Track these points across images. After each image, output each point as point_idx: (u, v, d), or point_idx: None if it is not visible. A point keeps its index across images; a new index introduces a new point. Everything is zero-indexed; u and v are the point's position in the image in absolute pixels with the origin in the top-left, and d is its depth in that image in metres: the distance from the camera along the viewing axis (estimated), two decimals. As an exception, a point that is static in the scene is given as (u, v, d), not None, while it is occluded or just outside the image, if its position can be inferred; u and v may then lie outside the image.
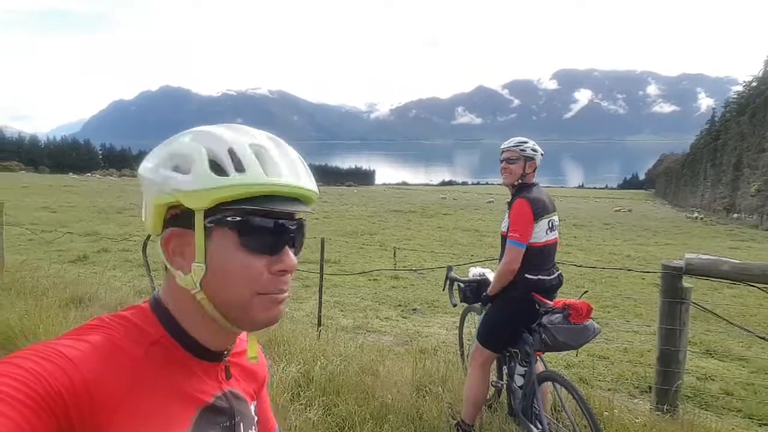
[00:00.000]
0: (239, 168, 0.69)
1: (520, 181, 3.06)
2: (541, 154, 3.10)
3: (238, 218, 0.70)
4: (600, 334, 2.81)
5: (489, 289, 3.14)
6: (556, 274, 3.05)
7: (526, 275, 2.94)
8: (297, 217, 0.76)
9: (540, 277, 2.95)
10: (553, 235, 3.05)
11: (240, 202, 0.69)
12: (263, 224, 0.71)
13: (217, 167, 0.69)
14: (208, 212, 0.70)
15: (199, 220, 0.70)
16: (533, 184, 3.09)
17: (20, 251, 11.10)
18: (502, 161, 3.11)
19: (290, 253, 0.74)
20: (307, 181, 0.75)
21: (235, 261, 0.70)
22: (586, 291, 3.48)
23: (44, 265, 8.93)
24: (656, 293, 3.64)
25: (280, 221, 0.73)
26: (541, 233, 2.96)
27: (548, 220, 2.99)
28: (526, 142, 3.07)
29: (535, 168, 3.09)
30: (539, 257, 2.98)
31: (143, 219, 0.77)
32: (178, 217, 0.72)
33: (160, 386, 0.69)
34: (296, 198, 0.74)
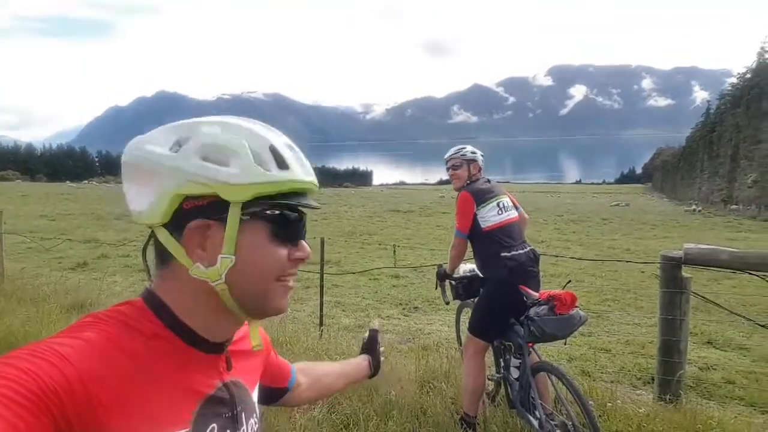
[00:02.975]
0: (283, 165, 0.74)
1: (468, 182, 3.35)
2: (481, 155, 3.42)
3: (277, 212, 0.75)
4: (587, 321, 2.87)
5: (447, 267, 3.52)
6: (528, 249, 3.18)
7: (501, 254, 3.07)
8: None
9: (513, 253, 3.08)
10: (508, 215, 3.23)
11: (275, 196, 0.73)
12: (293, 217, 0.77)
13: (260, 162, 0.72)
14: (245, 205, 0.71)
15: (235, 213, 0.70)
16: (478, 179, 3.38)
17: (20, 259, 11.08)
18: (448, 170, 3.44)
19: (304, 242, 0.80)
20: (315, 178, 0.81)
21: (266, 251, 0.74)
22: (569, 281, 3.58)
23: (44, 273, 8.92)
24: (656, 286, 3.66)
25: (301, 214, 0.79)
26: (491, 216, 3.18)
27: (496, 201, 3.22)
28: (464, 148, 3.42)
29: (480, 168, 3.41)
30: (504, 236, 3.14)
31: (139, 207, 0.74)
32: (202, 209, 0.71)
33: (160, 380, 0.68)
34: (308, 192, 0.80)
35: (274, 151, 0.74)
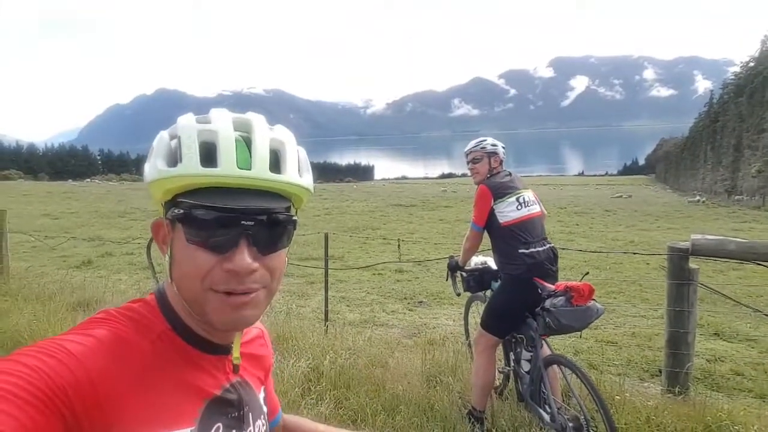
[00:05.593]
0: (180, 158, 0.66)
1: (489, 176, 3.25)
2: (503, 147, 3.31)
3: (182, 211, 0.67)
4: (603, 314, 2.82)
5: (460, 259, 3.48)
6: (548, 246, 3.11)
7: (520, 250, 3.00)
8: (261, 211, 0.68)
9: (532, 250, 3.02)
10: (529, 211, 3.12)
11: (189, 194, 0.67)
12: (203, 218, 0.65)
13: (173, 157, 0.68)
14: (168, 204, 0.70)
15: (162, 212, 0.72)
16: (498, 172, 3.28)
17: (25, 258, 11.13)
18: (468, 163, 3.34)
19: (244, 252, 0.67)
20: (263, 172, 0.68)
21: (185, 254, 0.68)
22: (587, 273, 3.52)
23: (49, 271, 8.95)
24: (661, 277, 3.64)
25: (227, 216, 0.66)
26: (510, 210, 3.08)
27: (516, 196, 3.12)
28: (485, 140, 3.30)
29: (501, 161, 3.31)
30: (524, 232, 3.05)
31: None
32: (163, 207, 0.73)
33: (167, 380, 0.68)
34: (259, 190, 0.68)
35: (178, 143, 0.67)
